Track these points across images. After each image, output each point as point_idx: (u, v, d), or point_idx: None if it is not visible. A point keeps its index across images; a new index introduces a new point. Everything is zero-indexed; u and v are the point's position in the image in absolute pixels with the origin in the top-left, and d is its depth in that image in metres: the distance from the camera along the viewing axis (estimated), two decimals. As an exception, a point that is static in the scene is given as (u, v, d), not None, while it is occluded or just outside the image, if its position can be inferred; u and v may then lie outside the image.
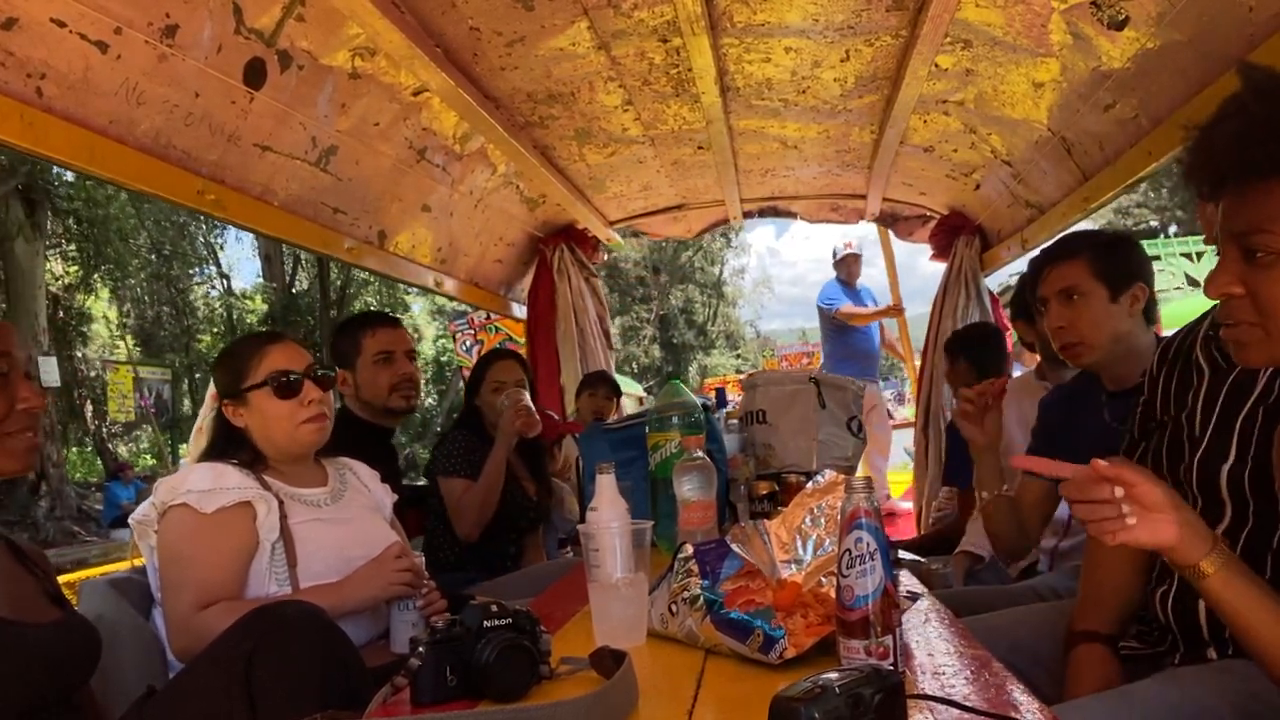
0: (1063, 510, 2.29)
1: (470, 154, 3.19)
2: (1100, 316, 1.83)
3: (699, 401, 2.07)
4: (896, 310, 5.52)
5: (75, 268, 13.82)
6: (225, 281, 18.86)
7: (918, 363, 4.87)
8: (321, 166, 2.60)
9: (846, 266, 5.88)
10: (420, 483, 3.34)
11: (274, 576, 1.65)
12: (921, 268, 4.49)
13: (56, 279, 13.06)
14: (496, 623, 1.07)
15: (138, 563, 1.79)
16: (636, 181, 3.95)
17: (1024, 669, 1.42)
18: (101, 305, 15.86)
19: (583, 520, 1.41)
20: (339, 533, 1.76)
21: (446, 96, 2.64)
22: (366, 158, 2.76)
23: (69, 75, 1.75)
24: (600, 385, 4.08)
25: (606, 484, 1.40)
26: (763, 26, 2.50)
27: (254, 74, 2.15)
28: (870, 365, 5.83)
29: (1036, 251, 2.12)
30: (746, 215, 4.53)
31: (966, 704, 0.93)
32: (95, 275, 14.20)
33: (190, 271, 18.25)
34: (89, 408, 15.49)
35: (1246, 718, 1.13)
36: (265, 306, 18.35)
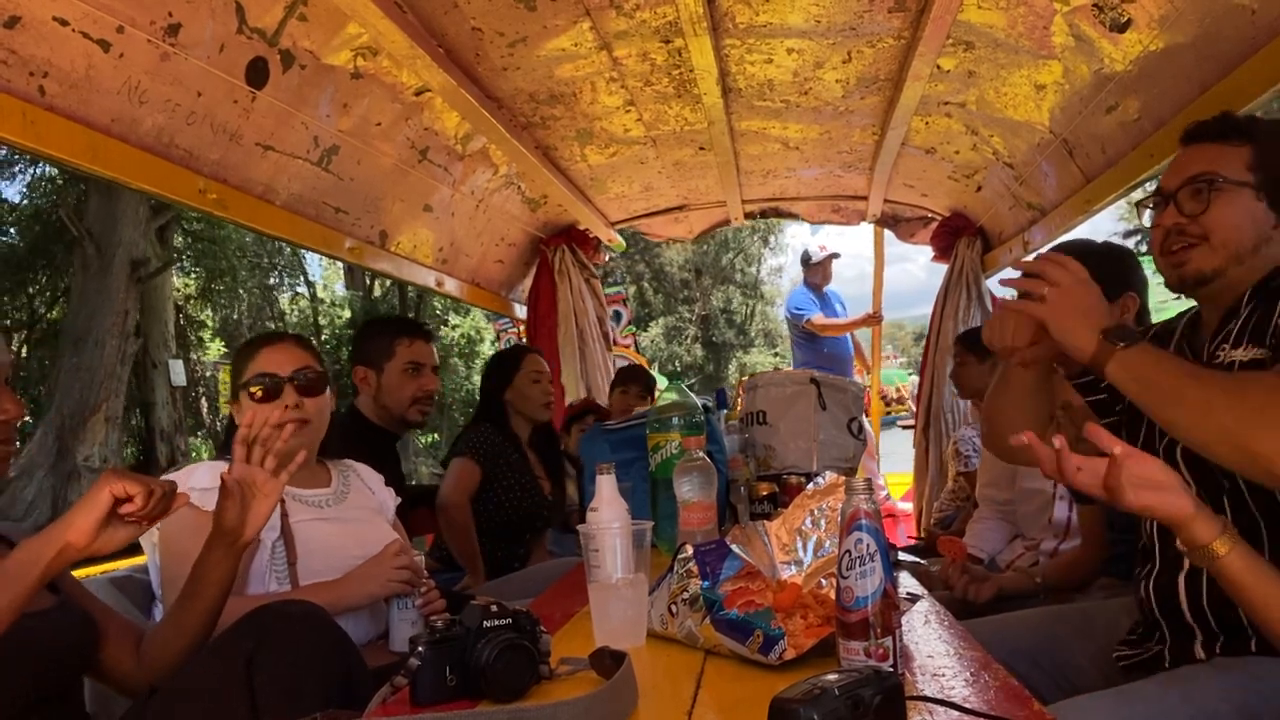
0: (1060, 512, 2.30)
1: (472, 154, 3.19)
2: None
3: (699, 403, 2.07)
4: (874, 319, 5.52)
5: (194, 279, 15.49)
6: (311, 289, 19.97)
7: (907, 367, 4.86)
8: (323, 166, 2.60)
9: (823, 269, 5.90)
10: (429, 483, 3.35)
11: (274, 574, 1.65)
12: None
13: (178, 290, 14.64)
14: (496, 623, 1.07)
15: (139, 561, 1.79)
16: (638, 182, 3.95)
17: (1023, 671, 1.42)
18: (207, 313, 17.64)
19: (583, 520, 1.42)
20: (340, 532, 1.77)
21: (448, 97, 2.64)
22: (368, 157, 2.76)
23: (71, 74, 1.75)
24: (633, 383, 3.93)
25: (606, 484, 1.40)
26: (765, 27, 2.50)
27: (256, 73, 2.15)
28: (844, 370, 5.82)
29: (1038, 254, 2.13)
30: (748, 216, 4.53)
31: (965, 706, 0.93)
32: (212, 287, 16.02)
33: (290, 281, 19.71)
34: (204, 404, 16.68)
35: (1248, 718, 1.13)
36: (348, 313, 19.43)
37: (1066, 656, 1.56)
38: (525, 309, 4.52)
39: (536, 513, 2.95)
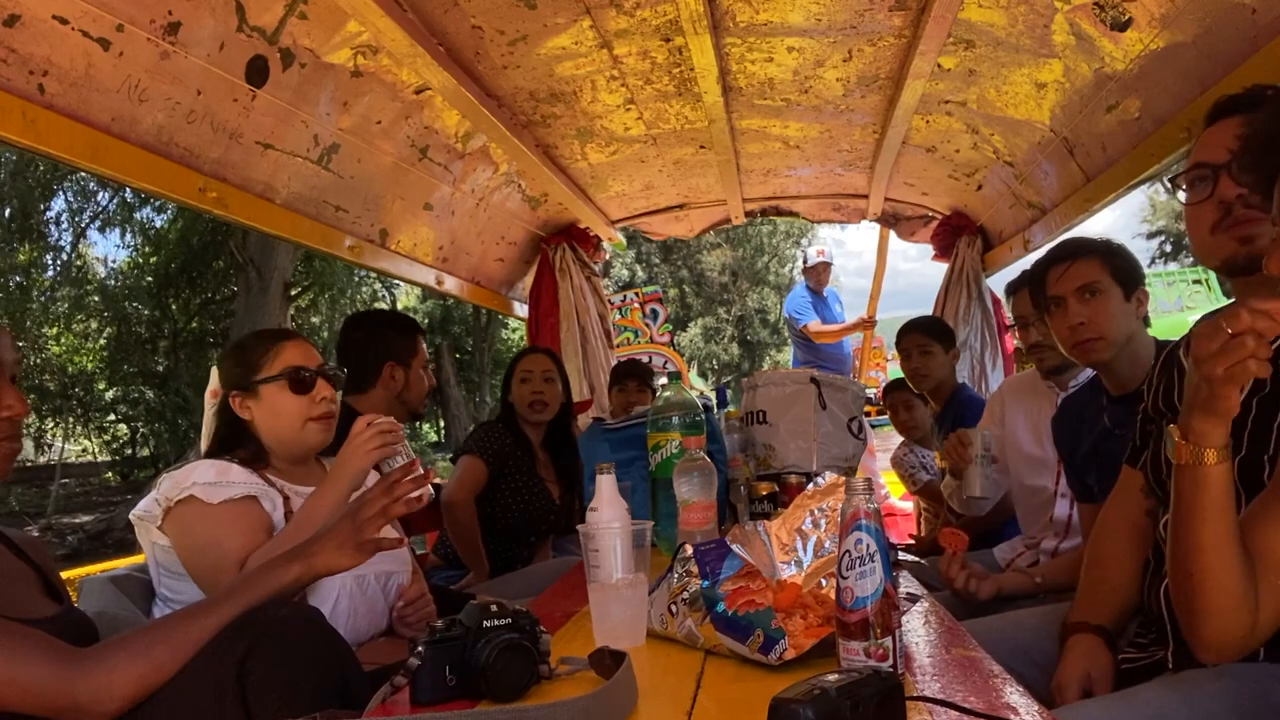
0: (1061, 510, 2.30)
1: (472, 152, 3.19)
2: (1117, 313, 1.85)
3: (700, 402, 2.07)
4: (867, 324, 5.53)
5: (308, 295, 17.46)
6: (392, 296, 21.18)
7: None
8: (323, 165, 2.60)
9: (816, 274, 5.94)
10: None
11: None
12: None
13: (291, 302, 16.41)
14: (496, 622, 1.07)
15: (139, 560, 1.79)
16: (638, 181, 3.95)
17: (1023, 671, 1.42)
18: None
19: (583, 520, 1.41)
20: (339, 529, 1.76)
21: (448, 95, 2.63)
22: (368, 156, 2.76)
23: (71, 72, 1.75)
24: (630, 379, 3.80)
25: (606, 484, 1.40)
26: (765, 26, 2.50)
27: (256, 72, 2.15)
28: (841, 371, 5.84)
29: (1038, 253, 2.14)
30: (748, 215, 4.53)
31: (965, 706, 0.93)
32: (319, 298, 18.05)
33: (376, 289, 21.02)
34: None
35: (1248, 721, 1.13)
36: (425, 319, 20.52)
37: (1067, 656, 1.56)
38: (526, 307, 4.52)
39: (542, 517, 2.94)
